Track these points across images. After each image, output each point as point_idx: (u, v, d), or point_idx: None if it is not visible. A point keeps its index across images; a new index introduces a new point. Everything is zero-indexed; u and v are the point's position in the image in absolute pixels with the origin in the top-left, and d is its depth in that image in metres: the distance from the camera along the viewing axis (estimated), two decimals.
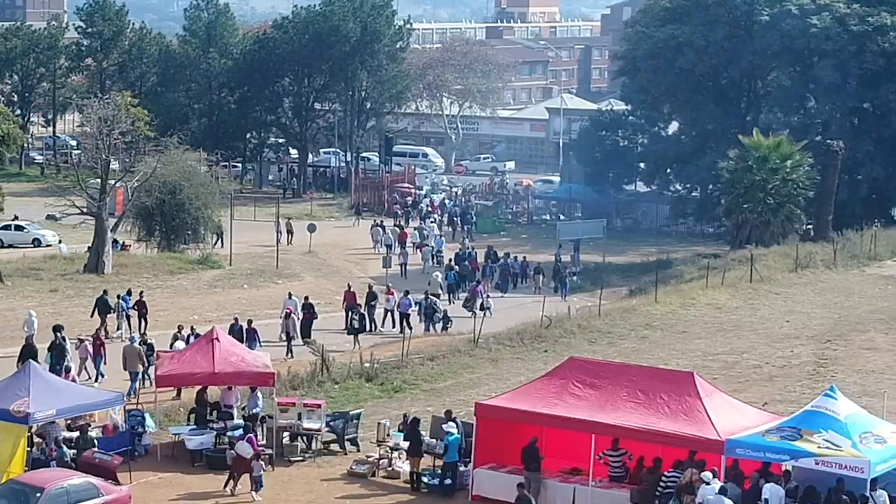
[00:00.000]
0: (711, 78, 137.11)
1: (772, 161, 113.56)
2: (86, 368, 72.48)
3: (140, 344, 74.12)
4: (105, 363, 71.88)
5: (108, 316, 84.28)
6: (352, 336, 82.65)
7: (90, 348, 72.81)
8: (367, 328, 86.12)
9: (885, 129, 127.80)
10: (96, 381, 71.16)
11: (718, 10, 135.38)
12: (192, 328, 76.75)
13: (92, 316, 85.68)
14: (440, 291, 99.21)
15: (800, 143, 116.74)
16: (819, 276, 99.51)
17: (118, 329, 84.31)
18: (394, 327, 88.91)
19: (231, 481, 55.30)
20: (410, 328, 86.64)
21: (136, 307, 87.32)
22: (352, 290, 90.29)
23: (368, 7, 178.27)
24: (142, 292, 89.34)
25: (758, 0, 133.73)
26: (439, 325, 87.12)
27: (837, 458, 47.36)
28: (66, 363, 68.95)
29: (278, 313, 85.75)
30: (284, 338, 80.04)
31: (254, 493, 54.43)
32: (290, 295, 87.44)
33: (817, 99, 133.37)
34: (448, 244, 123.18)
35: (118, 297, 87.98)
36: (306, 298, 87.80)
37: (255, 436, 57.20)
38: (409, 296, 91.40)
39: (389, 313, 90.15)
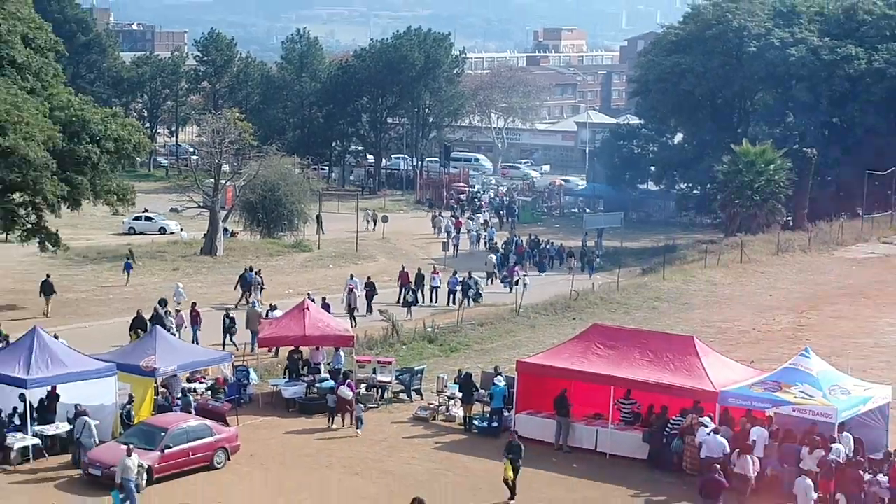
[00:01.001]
0: (709, 98, 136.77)
1: (758, 165, 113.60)
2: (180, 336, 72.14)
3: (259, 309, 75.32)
4: (200, 330, 71.86)
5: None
6: (405, 308, 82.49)
7: (187, 318, 72.96)
8: (418, 302, 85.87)
9: (850, 140, 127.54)
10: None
11: (714, 43, 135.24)
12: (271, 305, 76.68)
13: (235, 289, 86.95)
14: (494, 270, 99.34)
15: (780, 151, 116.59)
16: (796, 259, 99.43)
17: (251, 297, 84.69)
18: (436, 301, 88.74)
19: (334, 419, 56.73)
20: (456, 301, 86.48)
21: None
22: (405, 270, 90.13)
23: (431, 40, 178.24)
24: (259, 270, 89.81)
25: (746, 34, 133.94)
26: (471, 300, 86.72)
27: (811, 406, 47.73)
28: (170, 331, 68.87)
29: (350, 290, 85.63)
30: (346, 310, 79.82)
31: (357, 429, 55.65)
32: (351, 276, 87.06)
33: (795, 115, 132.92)
34: (497, 233, 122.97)
35: (249, 270, 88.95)
36: (368, 278, 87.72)
37: (352, 386, 57.69)
38: (456, 275, 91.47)
39: (436, 290, 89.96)
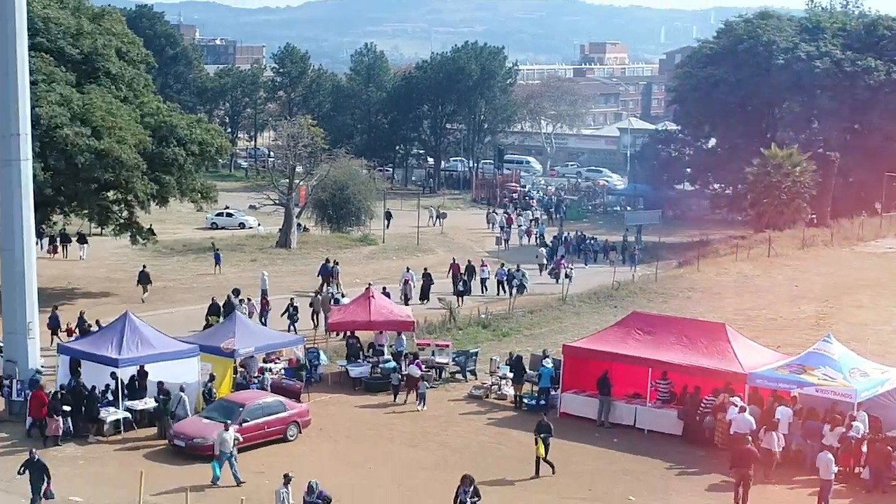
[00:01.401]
0: (740, 106, 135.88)
1: (785, 167, 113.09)
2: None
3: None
4: (268, 317, 71.93)
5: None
6: (457, 297, 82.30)
7: (257, 305, 73.06)
8: (470, 292, 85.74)
9: (870, 144, 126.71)
10: None
11: (745, 56, 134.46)
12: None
13: (318, 276, 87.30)
14: (544, 262, 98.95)
15: (806, 154, 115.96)
16: (819, 253, 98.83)
17: (330, 286, 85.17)
18: (485, 292, 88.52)
19: (398, 395, 57.36)
20: (505, 291, 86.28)
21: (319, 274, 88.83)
22: (456, 262, 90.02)
23: (486, 53, 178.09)
24: (336, 262, 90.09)
25: (775, 48, 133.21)
26: (516, 290, 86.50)
27: (832, 387, 47.62)
28: None
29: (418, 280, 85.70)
30: (402, 299, 79.80)
31: (419, 405, 56.09)
32: (407, 269, 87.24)
33: (819, 121, 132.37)
34: (547, 229, 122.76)
35: (327, 261, 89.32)
36: (425, 269, 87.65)
37: (420, 364, 58.35)
38: (503, 267, 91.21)
39: (484, 281, 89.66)
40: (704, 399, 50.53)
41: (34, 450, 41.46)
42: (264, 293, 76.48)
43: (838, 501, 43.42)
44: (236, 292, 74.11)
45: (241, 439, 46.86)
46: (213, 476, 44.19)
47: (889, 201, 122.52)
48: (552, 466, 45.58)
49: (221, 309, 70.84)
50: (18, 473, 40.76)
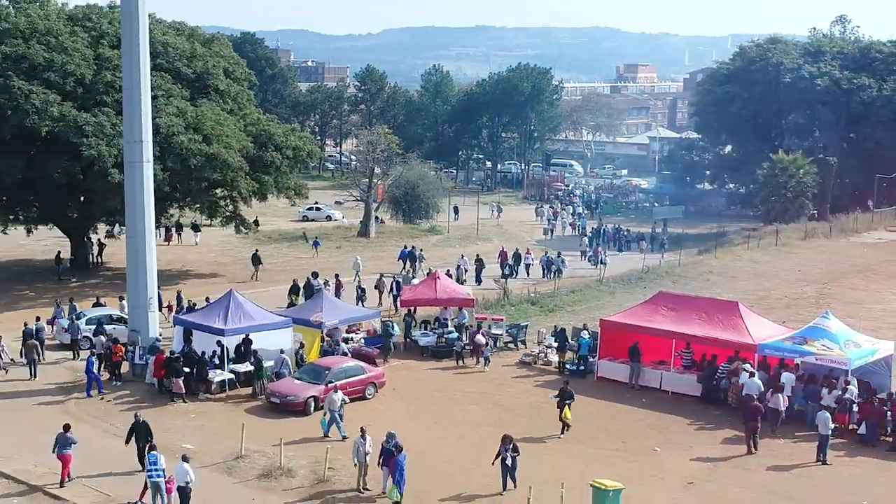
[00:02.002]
0: (752, 117, 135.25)
1: (790, 170, 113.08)
2: None
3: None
4: (341, 297, 71.94)
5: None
6: (500, 280, 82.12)
7: (332, 287, 73.08)
8: (515, 275, 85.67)
9: (864, 151, 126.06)
10: None
11: (757, 75, 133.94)
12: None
13: (399, 260, 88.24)
14: (586, 249, 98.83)
15: (808, 159, 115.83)
16: (820, 243, 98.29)
17: (411, 268, 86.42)
18: (529, 275, 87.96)
19: (463, 360, 58.10)
20: (546, 275, 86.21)
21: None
22: (504, 250, 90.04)
23: (536, 73, 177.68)
24: (414, 247, 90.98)
25: (782, 68, 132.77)
26: (555, 274, 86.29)
27: (829, 356, 47.68)
28: None
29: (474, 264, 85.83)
30: (456, 282, 79.80)
31: (485, 366, 56.74)
32: (462, 256, 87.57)
33: (820, 131, 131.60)
34: (587, 221, 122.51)
35: (408, 247, 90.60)
36: (478, 255, 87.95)
37: (485, 334, 58.76)
38: (546, 254, 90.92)
39: (528, 266, 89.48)
40: (720, 366, 50.46)
41: (139, 413, 41.82)
42: (336, 276, 76.38)
43: (835, 452, 43.33)
44: (315, 275, 74.45)
45: (349, 400, 47.23)
46: (323, 431, 44.58)
47: (880, 199, 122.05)
48: (567, 427, 45.66)
49: (301, 289, 71.48)
50: (126, 443, 40.90)
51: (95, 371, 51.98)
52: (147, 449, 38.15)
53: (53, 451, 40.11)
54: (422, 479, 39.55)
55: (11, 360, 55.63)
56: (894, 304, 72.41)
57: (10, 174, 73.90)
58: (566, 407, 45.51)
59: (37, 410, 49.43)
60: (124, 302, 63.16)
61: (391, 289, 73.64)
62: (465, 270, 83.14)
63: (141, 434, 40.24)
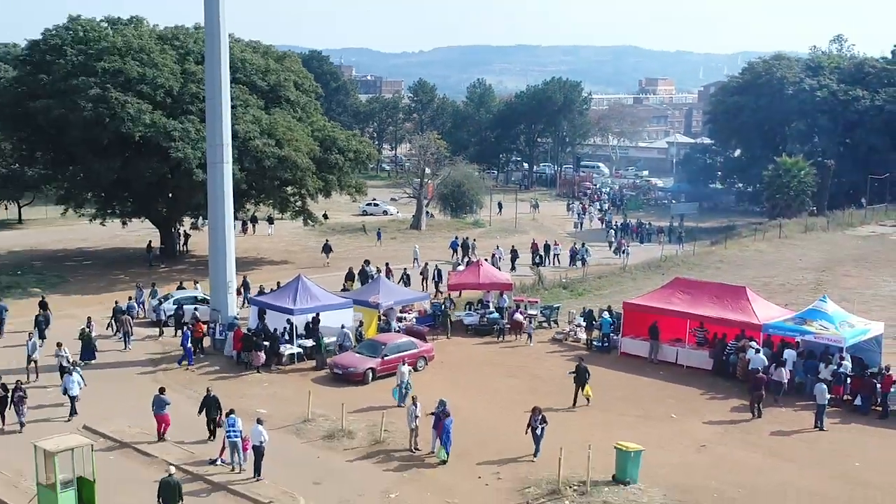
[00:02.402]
0: (759, 125, 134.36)
1: (792, 171, 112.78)
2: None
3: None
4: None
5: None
6: (535, 267, 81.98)
7: (383, 274, 73.03)
8: (543, 264, 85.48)
9: (858, 154, 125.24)
10: None
11: (763, 88, 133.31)
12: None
13: (450, 248, 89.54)
14: (613, 241, 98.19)
15: (808, 162, 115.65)
16: (819, 236, 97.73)
17: (464, 256, 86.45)
18: (558, 264, 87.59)
19: (503, 336, 58.28)
20: (573, 263, 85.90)
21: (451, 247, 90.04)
22: (535, 241, 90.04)
23: (568, 86, 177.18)
24: (467, 237, 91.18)
25: (786, 82, 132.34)
26: (580, 262, 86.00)
27: (826, 335, 47.52)
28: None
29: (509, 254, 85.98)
30: None
31: (529, 341, 57.00)
32: (497, 247, 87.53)
33: (819, 137, 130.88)
34: (613, 216, 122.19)
35: (457, 238, 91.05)
36: (513, 246, 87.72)
37: (523, 313, 59.03)
38: (574, 245, 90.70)
39: (557, 255, 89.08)
40: (729, 343, 50.23)
41: (210, 388, 41.99)
42: (386, 264, 76.28)
43: (830, 420, 43.16)
44: (367, 262, 74.69)
45: (414, 371, 47.40)
46: (398, 400, 44.44)
47: (872, 197, 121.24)
48: (581, 399, 45.52)
49: (356, 275, 71.63)
50: (198, 414, 41.05)
51: (189, 345, 52.66)
52: (227, 413, 38.37)
53: (152, 411, 40.75)
54: (465, 441, 39.67)
55: (97, 334, 56.00)
56: (884, 289, 71.99)
57: (107, 174, 74.71)
58: (586, 384, 45.38)
59: (130, 378, 49.91)
60: (198, 286, 65.04)
61: (434, 276, 73.70)
62: (500, 259, 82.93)
63: (211, 406, 40.42)
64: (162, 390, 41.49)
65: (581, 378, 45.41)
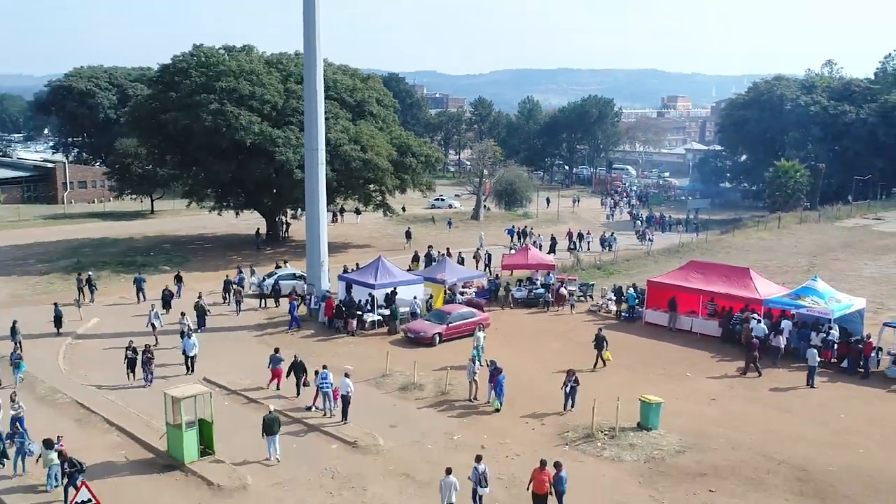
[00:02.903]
0: (761, 135, 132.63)
1: (789, 173, 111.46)
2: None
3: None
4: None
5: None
6: (572, 252, 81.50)
7: (446, 256, 72.87)
8: (577, 249, 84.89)
9: (845, 159, 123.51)
10: None
11: (766, 104, 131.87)
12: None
13: (507, 234, 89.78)
14: (639, 230, 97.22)
15: (803, 165, 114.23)
16: (811, 227, 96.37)
17: (513, 244, 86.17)
18: (589, 250, 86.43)
19: (549, 307, 58.05)
20: (603, 249, 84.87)
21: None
22: (570, 230, 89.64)
23: (602, 102, 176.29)
24: (525, 226, 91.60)
25: (784, 98, 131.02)
26: (608, 248, 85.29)
27: (817, 308, 46.95)
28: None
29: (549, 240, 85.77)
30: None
31: (572, 310, 57.16)
32: (539, 235, 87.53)
33: (812, 145, 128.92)
34: (640, 210, 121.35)
35: (513, 227, 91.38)
36: (552, 235, 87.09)
37: (565, 287, 58.83)
38: (604, 234, 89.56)
39: (589, 242, 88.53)
40: (735, 314, 49.66)
41: (297, 354, 42.13)
42: (447, 249, 76.27)
43: (820, 379, 42.73)
44: (430, 247, 74.40)
45: (486, 335, 47.14)
46: (477, 359, 43.10)
47: (857, 195, 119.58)
48: (605, 364, 45.10)
49: (421, 258, 71.38)
50: (286, 377, 41.09)
51: (295, 313, 52.99)
52: (321, 368, 38.60)
53: (268, 367, 41.36)
54: (515, 394, 39.70)
55: (212, 302, 56.52)
56: (866, 271, 70.83)
57: (224, 174, 75.48)
58: (605, 349, 45.01)
59: (241, 340, 50.39)
60: (287, 265, 66.40)
61: (485, 258, 73.45)
62: (540, 246, 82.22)
63: (298, 370, 40.55)
64: (277, 350, 42.14)
65: (600, 345, 45.09)
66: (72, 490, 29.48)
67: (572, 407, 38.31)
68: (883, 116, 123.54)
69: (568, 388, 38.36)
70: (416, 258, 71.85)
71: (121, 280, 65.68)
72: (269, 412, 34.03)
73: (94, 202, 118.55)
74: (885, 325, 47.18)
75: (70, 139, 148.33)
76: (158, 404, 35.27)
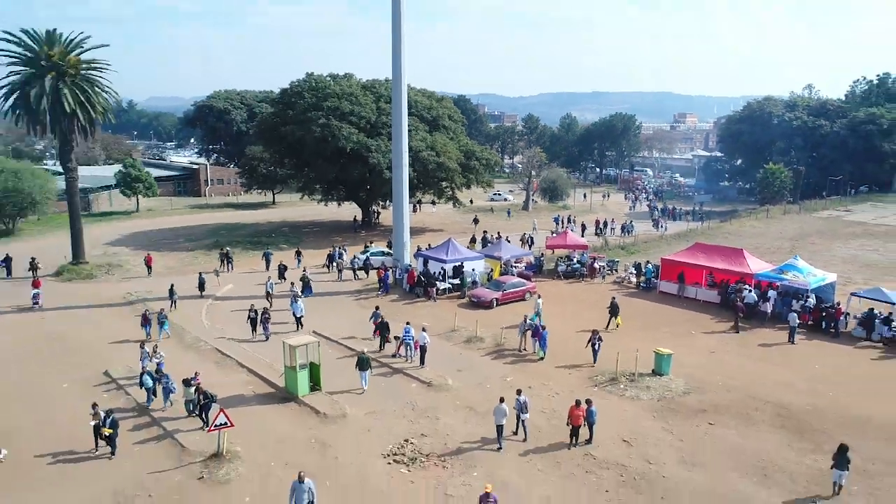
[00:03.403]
0: (754, 144, 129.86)
1: (776, 174, 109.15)
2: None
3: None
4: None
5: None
6: (600, 236, 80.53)
7: (493, 239, 72.34)
8: (604, 234, 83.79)
9: (822, 163, 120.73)
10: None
11: (757, 119, 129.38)
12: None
13: (553, 221, 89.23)
14: (657, 217, 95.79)
15: (787, 168, 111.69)
16: (793, 217, 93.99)
17: (557, 229, 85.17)
18: (612, 234, 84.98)
19: (584, 278, 57.58)
20: (623, 234, 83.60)
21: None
22: (598, 219, 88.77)
23: (626, 118, 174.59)
24: (570, 216, 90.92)
25: (772, 114, 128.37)
26: (627, 233, 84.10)
27: (798, 281, 46.17)
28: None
29: (581, 227, 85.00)
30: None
31: (602, 279, 57.12)
32: (582, 221, 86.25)
33: (794, 152, 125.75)
34: (656, 203, 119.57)
35: (558, 216, 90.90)
36: (582, 222, 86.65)
37: (597, 263, 58.29)
38: (625, 222, 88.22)
39: (612, 229, 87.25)
40: (731, 285, 48.79)
41: (382, 316, 41.71)
42: (498, 233, 75.86)
43: (799, 337, 41.97)
44: (485, 232, 73.95)
45: (523, 300, 46.97)
46: (538, 320, 41.94)
47: (831, 192, 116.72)
48: (617, 326, 44.20)
49: (478, 240, 70.88)
50: (373, 335, 40.56)
51: (389, 281, 53.12)
52: (405, 323, 38.82)
53: (370, 320, 41.80)
54: (555, 347, 39.58)
55: (318, 272, 56.75)
56: (837, 253, 69.09)
57: (329, 174, 75.93)
58: (617, 315, 44.42)
59: (341, 302, 50.64)
60: (373, 244, 66.62)
61: (528, 241, 72.72)
62: (572, 230, 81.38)
63: (384, 328, 40.40)
64: (377, 308, 42.90)
65: (614, 310, 44.57)
66: (207, 416, 30.12)
67: (593, 363, 37.94)
68: (852, 130, 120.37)
69: (596, 345, 38.19)
70: (473, 240, 71.55)
71: (250, 255, 66.53)
72: (362, 352, 34.82)
73: (228, 195, 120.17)
74: (852, 294, 46.29)
75: (210, 146, 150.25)
76: (277, 352, 35.84)
